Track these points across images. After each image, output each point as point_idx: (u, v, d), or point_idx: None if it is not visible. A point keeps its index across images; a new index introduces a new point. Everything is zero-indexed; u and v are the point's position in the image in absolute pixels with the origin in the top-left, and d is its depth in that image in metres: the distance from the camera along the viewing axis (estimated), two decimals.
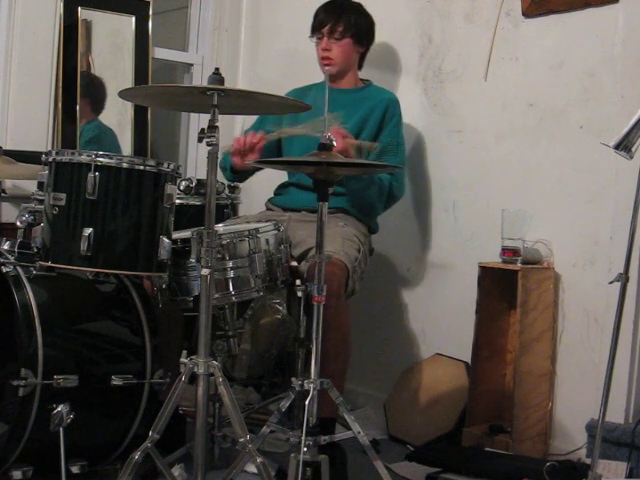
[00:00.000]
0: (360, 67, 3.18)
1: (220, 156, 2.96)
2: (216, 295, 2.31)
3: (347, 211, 2.95)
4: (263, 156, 2.81)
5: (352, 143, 2.75)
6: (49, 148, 3.43)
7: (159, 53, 3.94)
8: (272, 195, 3.16)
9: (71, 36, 3.57)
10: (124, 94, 2.16)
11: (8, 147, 3.18)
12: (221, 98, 2.00)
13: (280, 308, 3.05)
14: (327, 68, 2.86)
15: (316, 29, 3.06)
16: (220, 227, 2.65)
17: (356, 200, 2.93)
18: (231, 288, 2.37)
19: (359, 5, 3.11)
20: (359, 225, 2.95)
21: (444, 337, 3.19)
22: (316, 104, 2.64)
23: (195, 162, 4.14)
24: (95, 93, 3.72)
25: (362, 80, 3.18)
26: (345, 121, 2.15)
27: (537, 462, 2.51)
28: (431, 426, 2.97)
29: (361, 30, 3.07)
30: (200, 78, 4.09)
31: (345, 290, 2.60)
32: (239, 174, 3.03)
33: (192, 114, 4.09)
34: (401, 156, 3.02)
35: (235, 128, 3.93)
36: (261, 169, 2.97)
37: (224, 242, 2.34)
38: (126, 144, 3.76)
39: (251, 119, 3.48)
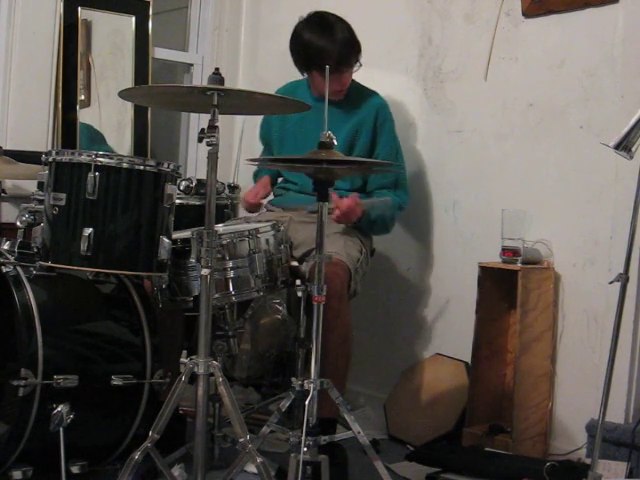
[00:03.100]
0: None
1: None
2: (216, 295, 2.31)
3: None
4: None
5: (360, 206, 2.77)
6: (49, 148, 3.42)
7: (159, 53, 3.94)
8: (271, 197, 3.16)
9: (71, 36, 3.57)
10: (124, 94, 2.15)
11: (8, 147, 3.17)
12: (221, 98, 2.00)
13: (280, 308, 3.05)
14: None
15: (322, 67, 2.64)
16: (220, 227, 2.65)
17: (370, 229, 2.96)
18: (231, 288, 2.37)
19: (336, 17, 2.89)
20: None
21: (444, 337, 3.19)
22: (305, 123, 2.61)
23: (195, 162, 4.14)
24: None
25: None
26: (335, 135, 2.09)
27: (537, 462, 2.51)
28: (431, 426, 2.97)
29: (358, 46, 2.89)
30: (200, 78, 4.09)
31: (347, 291, 2.60)
32: None
33: (192, 114, 4.09)
34: (401, 160, 3.03)
35: (235, 128, 3.93)
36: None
37: (224, 242, 2.34)
38: (126, 144, 3.76)
39: (251, 119, 3.49)
